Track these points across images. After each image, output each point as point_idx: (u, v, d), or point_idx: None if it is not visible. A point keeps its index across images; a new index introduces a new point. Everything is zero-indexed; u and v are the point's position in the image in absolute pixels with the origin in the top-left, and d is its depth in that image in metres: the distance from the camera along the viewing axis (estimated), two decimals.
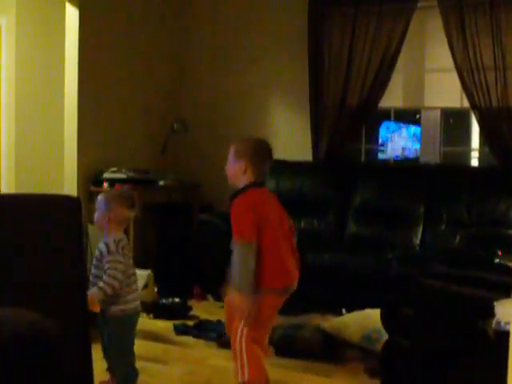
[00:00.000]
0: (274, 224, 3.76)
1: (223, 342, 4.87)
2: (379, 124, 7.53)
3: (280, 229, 3.78)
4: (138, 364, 4.52)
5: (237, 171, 3.80)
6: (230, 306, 3.78)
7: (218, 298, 5.92)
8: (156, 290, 6.09)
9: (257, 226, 3.63)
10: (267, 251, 3.65)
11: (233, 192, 3.85)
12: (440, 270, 3.68)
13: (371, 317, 4.53)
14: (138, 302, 3.89)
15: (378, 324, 3.95)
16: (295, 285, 3.82)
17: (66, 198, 2.74)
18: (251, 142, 3.93)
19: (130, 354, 3.85)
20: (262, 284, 3.65)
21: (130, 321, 3.87)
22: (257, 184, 3.80)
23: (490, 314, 2.97)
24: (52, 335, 1.89)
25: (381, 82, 6.47)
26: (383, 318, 3.77)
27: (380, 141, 7.59)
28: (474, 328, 3.15)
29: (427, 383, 3.46)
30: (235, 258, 3.62)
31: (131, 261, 3.96)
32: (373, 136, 7.50)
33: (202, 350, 4.88)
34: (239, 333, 3.66)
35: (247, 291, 3.58)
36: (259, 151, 3.85)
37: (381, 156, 7.51)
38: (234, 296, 3.62)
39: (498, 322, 2.90)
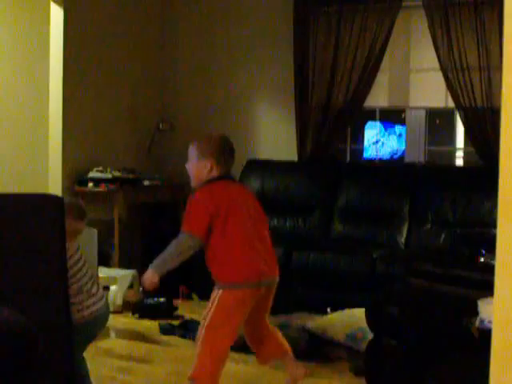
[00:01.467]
0: (238, 217, 3.62)
1: None
2: (365, 124, 7.53)
3: (246, 222, 3.64)
4: (124, 364, 4.53)
5: (201, 170, 3.67)
6: None
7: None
8: (141, 289, 6.07)
9: (208, 224, 3.51)
10: (226, 245, 3.56)
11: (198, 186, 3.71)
12: (425, 269, 3.68)
13: (356, 316, 4.54)
14: (97, 307, 3.46)
15: (363, 323, 3.96)
16: (269, 278, 3.67)
17: (49, 198, 2.71)
18: (215, 140, 3.79)
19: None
20: (224, 279, 3.57)
21: (87, 328, 3.48)
22: (219, 178, 3.68)
23: (474, 312, 2.99)
24: (27, 332, 1.87)
25: (366, 82, 6.48)
26: (368, 317, 3.78)
27: (365, 140, 7.60)
28: (458, 326, 3.16)
29: (412, 382, 3.48)
30: (173, 242, 3.53)
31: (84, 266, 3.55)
32: (358, 136, 7.51)
33: (187, 350, 4.85)
34: (201, 327, 3.57)
35: (159, 274, 3.55)
36: (224, 149, 3.75)
37: (366, 156, 7.52)
38: (148, 272, 3.56)
39: (482, 320, 2.91)
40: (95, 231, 5.11)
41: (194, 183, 3.76)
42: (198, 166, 3.69)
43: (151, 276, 3.55)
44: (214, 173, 3.66)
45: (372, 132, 7.54)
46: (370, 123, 7.51)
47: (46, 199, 2.59)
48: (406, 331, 3.53)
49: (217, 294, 3.56)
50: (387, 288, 3.93)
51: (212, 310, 3.55)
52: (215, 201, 3.58)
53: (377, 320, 3.72)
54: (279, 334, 3.94)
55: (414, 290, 3.58)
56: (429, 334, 3.37)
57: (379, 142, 7.51)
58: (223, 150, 3.73)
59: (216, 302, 3.54)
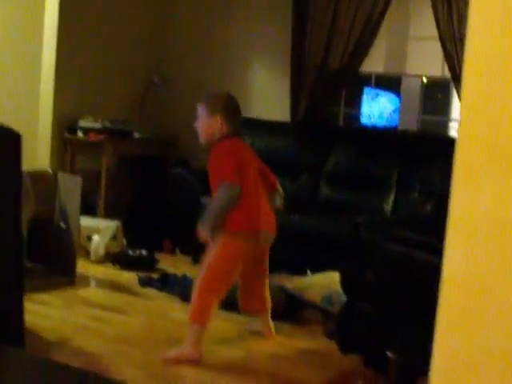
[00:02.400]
0: (249, 173, 3.85)
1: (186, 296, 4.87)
2: (361, 90, 7.48)
3: (254, 179, 3.88)
4: (99, 313, 4.53)
5: (211, 126, 3.86)
6: None
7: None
8: (125, 241, 6.07)
9: (238, 170, 3.75)
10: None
11: (210, 144, 3.90)
12: (402, 236, 3.67)
13: (334, 279, 4.52)
14: None
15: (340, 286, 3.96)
16: (268, 234, 3.95)
17: (3, 130, 2.57)
18: (224, 98, 4.03)
19: None
20: (230, 226, 3.78)
21: None
22: (232, 134, 3.88)
23: None
24: None
25: (363, 46, 6.40)
26: (343, 281, 3.77)
27: (362, 107, 7.56)
28: (431, 293, 3.15)
29: (383, 347, 3.47)
30: (218, 196, 3.74)
31: None
32: (353, 101, 7.46)
33: (164, 303, 4.87)
34: (201, 272, 3.82)
35: (212, 226, 3.71)
36: (232, 106, 3.96)
37: (360, 121, 7.48)
38: (199, 231, 3.73)
39: None
40: (79, 179, 5.10)
41: (203, 140, 3.95)
42: (208, 123, 3.88)
43: (201, 233, 3.72)
44: (224, 129, 3.86)
45: (369, 98, 7.50)
46: (367, 89, 7.46)
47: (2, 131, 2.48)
48: (380, 297, 3.53)
49: (221, 239, 3.78)
50: (364, 253, 3.92)
51: (214, 252, 3.80)
52: (234, 153, 3.84)
53: (351, 284, 3.71)
54: (267, 293, 4.20)
55: (390, 255, 3.57)
56: (402, 301, 3.36)
57: (375, 109, 7.47)
58: (231, 107, 3.95)
59: (219, 246, 3.79)
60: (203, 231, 3.72)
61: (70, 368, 1.85)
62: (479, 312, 1.44)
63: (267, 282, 4.20)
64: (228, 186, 3.73)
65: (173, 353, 3.77)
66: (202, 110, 3.89)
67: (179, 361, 3.73)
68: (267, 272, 4.18)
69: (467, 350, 1.44)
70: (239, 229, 3.82)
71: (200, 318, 3.78)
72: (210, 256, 3.82)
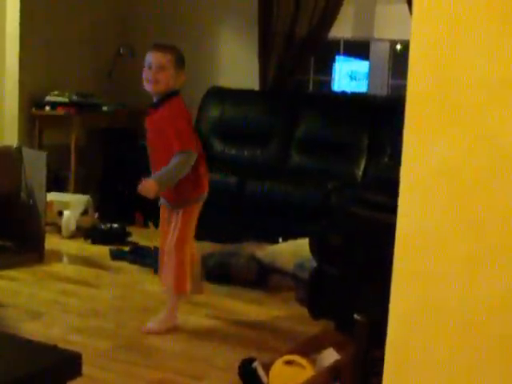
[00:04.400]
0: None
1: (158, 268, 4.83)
2: (331, 56, 7.43)
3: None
4: (69, 287, 4.50)
5: (174, 80, 3.69)
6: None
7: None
8: (96, 215, 6.02)
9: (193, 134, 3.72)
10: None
11: (158, 98, 3.76)
12: (368, 199, 3.65)
13: (306, 246, 4.50)
14: None
15: None
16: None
17: None
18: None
19: None
20: (195, 192, 3.75)
21: None
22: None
23: None
24: None
25: (331, 12, 6.33)
26: (311, 245, 3.75)
27: (334, 73, 7.51)
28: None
29: (352, 310, 3.47)
30: (179, 161, 3.59)
31: None
32: (325, 68, 7.41)
33: (136, 276, 4.84)
34: (172, 244, 3.74)
35: (159, 189, 3.61)
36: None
37: (335, 88, 7.43)
38: (151, 183, 3.59)
39: None
40: (44, 154, 5.02)
41: (159, 90, 3.72)
42: (174, 76, 3.69)
43: (153, 187, 3.58)
44: (178, 85, 3.73)
45: (339, 65, 7.46)
46: (337, 56, 7.42)
47: None
48: (348, 260, 3.52)
49: (187, 206, 3.74)
50: (331, 217, 3.90)
51: (183, 221, 3.74)
52: (187, 115, 3.77)
53: (319, 248, 3.69)
54: None
55: (357, 219, 3.55)
56: (367, 262, 3.35)
57: (345, 75, 7.44)
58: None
59: (187, 213, 3.73)
60: (154, 187, 3.57)
61: (24, 341, 1.82)
62: (432, 265, 1.43)
63: None
64: (190, 156, 3.64)
65: (155, 325, 3.75)
66: (169, 61, 3.68)
67: (161, 331, 3.73)
68: None
69: (420, 303, 1.43)
70: (202, 193, 3.81)
71: (184, 287, 3.77)
72: (180, 226, 3.74)
